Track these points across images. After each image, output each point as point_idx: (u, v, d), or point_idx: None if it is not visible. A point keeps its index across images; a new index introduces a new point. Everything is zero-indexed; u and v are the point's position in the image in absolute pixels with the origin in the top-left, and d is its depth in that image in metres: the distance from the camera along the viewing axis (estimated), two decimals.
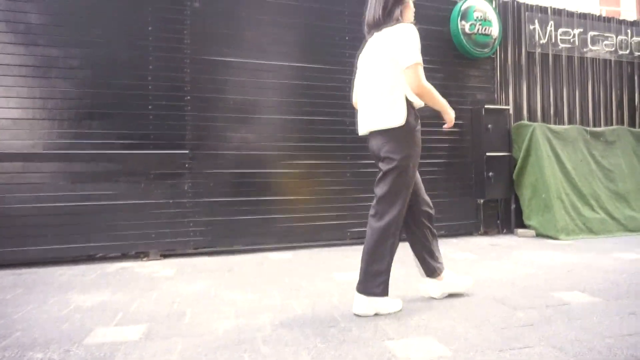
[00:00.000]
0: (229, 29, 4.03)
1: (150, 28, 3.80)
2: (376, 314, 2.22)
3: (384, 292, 2.24)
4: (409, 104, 2.23)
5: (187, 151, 3.86)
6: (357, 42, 4.37)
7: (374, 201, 2.32)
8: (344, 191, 4.34)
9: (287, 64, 4.20)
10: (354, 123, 4.36)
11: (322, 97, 4.29)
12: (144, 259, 3.72)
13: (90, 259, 3.70)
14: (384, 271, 2.26)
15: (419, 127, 2.29)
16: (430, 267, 2.47)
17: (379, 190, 2.29)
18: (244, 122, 4.06)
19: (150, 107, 3.78)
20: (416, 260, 2.52)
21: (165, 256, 3.81)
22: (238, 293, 2.65)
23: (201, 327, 2.05)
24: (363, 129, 2.38)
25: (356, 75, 2.50)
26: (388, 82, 2.22)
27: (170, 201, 3.81)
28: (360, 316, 2.21)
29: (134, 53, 3.76)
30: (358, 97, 2.47)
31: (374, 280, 2.23)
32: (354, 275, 3.05)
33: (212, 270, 3.32)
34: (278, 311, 2.29)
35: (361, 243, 4.28)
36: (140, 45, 3.77)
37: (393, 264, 2.34)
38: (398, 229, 2.29)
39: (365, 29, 2.40)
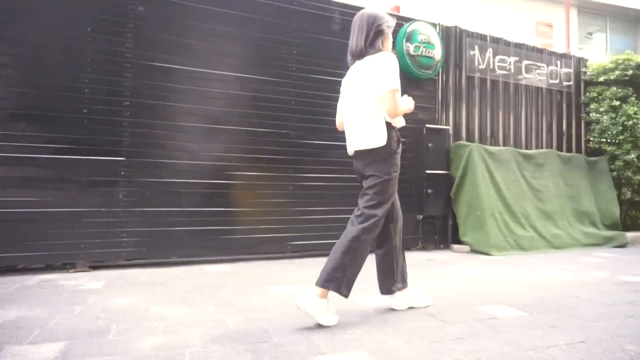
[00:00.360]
0: (175, 36, 3.94)
1: (89, 29, 3.64)
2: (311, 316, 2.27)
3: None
4: (389, 126, 2.41)
5: (123, 158, 3.71)
6: (303, 57, 4.43)
7: (357, 212, 2.51)
8: (286, 204, 4.32)
9: (233, 74, 4.15)
10: (298, 136, 4.39)
11: (268, 109, 4.27)
12: (71, 270, 3.51)
13: (9, 270, 3.44)
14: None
15: (399, 150, 2.48)
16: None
17: (362, 202, 2.50)
18: (186, 131, 3.96)
19: (85, 110, 3.60)
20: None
21: (94, 268, 3.61)
22: (169, 307, 2.55)
23: (125, 344, 1.94)
24: (350, 149, 2.62)
25: (340, 100, 2.70)
26: (369, 106, 2.41)
27: (103, 210, 3.63)
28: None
29: (70, 54, 3.58)
30: (344, 120, 2.66)
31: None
32: (291, 289, 3.04)
33: (143, 283, 3.18)
34: (210, 326, 2.22)
35: (301, 256, 4.30)
36: (78, 46, 3.61)
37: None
38: (368, 239, 2.46)
39: (349, 57, 2.57)
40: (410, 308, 2.62)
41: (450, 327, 2.26)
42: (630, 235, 5.73)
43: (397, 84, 2.35)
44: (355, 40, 2.48)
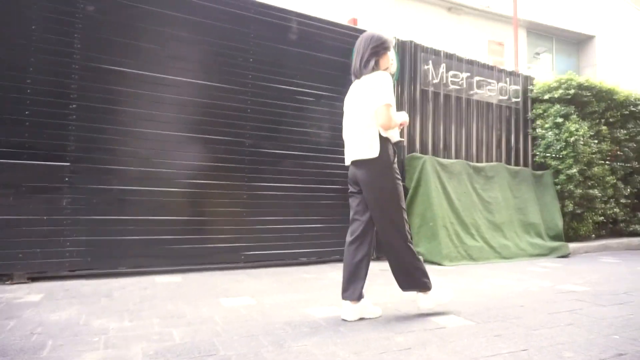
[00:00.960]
0: (127, 39, 3.82)
1: (33, 27, 3.48)
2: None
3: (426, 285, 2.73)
4: (384, 139, 2.59)
5: (68, 163, 3.55)
6: (260, 65, 4.40)
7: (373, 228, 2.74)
8: (240, 213, 4.26)
9: (187, 80, 4.07)
10: (253, 145, 4.35)
11: (222, 116, 4.21)
12: (7, 282, 3.30)
13: None
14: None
15: (393, 161, 2.65)
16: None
17: (373, 215, 2.69)
18: (137, 137, 3.84)
19: (27, 112, 3.43)
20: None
21: (33, 279, 3.41)
22: (112, 321, 2.44)
23: None
24: (347, 159, 2.79)
25: (344, 116, 2.86)
26: (365, 121, 2.60)
27: (45, 218, 3.45)
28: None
29: (12, 52, 3.40)
30: (343, 134, 2.85)
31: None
32: (243, 301, 2.98)
33: (87, 295, 3.03)
34: (155, 340, 2.13)
35: (255, 266, 4.23)
36: (20, 44, 3.43)
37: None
38: (407, 240, 2.72)
39: (352, 76, 2.78)
40: (361, 319, 2.62)
41: (399, 338, 2.27)
42: (572, 245, 6.01)
43: (390, 99, 2.53)
44: (354, 61, 2.72)
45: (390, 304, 3.00)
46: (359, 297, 2.61)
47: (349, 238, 2.76)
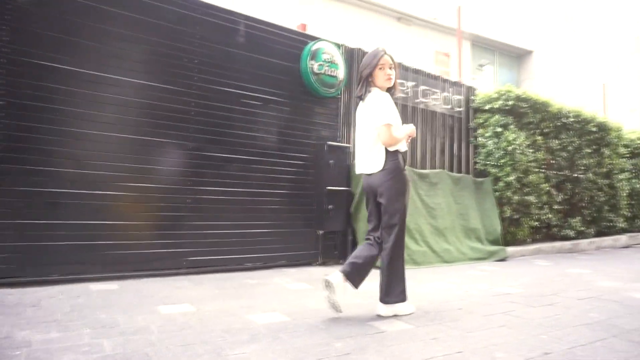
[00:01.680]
0: (62, 34, 3.63)
1: None
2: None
3: (402, 298, 2.88)
4: (391, 153, 2.85)
5: None
6: (206, 67, 4.32)
7: (380, 231, 2.96)
8: (183, 217, 4.14)
9: (128, 79, 3.92)
10: (198, 148, 4.25)
11: (165, 118, 4.09)
12: None
13: None
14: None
15: (401, 170, 2.87)
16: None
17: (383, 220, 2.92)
18: (72, 137, 3.66)
19: None
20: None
21: None
22: (37, 332, 2.29)
23: None
24: (357, 169, 3.08)
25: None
26: (371, 138, 2.90)
27: None
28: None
29: None
30: (356, 147, 3.15)
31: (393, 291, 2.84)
32: (182, 308, 2.89)
33: (10, 305, 2.84)
34: (83, 352, 2.02)
35: (198, 272, 4.13)
36: None
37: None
38: (402, 248, 2.90)
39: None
40: (299, 325, 2.60)
41: (339, 343, 2.27)
42: (510, 249, 6.27)
43: (389, 119, 2.79)
44: (356, 85, 3.13)
45: (331, 310, 3.00)
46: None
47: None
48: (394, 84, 2.98)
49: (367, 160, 2.93)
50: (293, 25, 5.30)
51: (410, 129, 2.93)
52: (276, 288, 3.69)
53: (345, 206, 5.14)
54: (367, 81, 2.92)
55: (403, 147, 2.93)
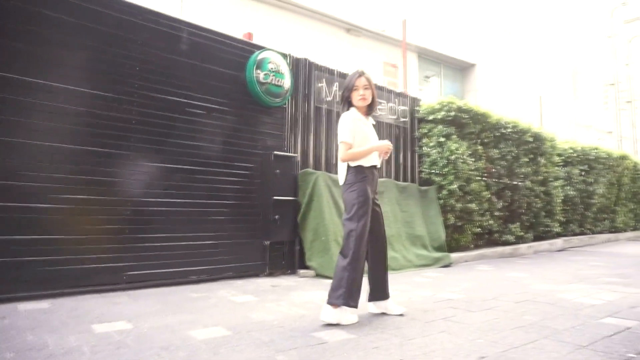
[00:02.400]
0: None
1: None
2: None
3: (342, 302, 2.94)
4: (351, 167, 3.10)
5: None
6: (148, 74, 4.20)
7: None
8: (122, 230, 3.98)
9: (64, 86, 3.74)
10: (138, 157, 4.10)
11: (104, 127, 3.93)
12: None
13: None
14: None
15: (357, 182, 3.08)
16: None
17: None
18: (1, 146, 3.43)
19: None
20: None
21: None
22: None
23: None
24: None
25: None
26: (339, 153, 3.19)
27: None
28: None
29: None
30: None
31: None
32: (118, 326, 2.76)
33: None
34: None
35: (139, 287, 3.98)
36: None
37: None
38: (358, 258, 3.03)
39: None
40: (242, 338, 2.56)
41: (281, 356, 2.25)
42: (454, 255, 6.46)
43: (344, 137, 3.08)
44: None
45: (275, 322, 2.97)
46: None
47: None
48: (373, 102, 3.22)
49: (339, 173, 3.23)
50: (239, 34, 5.25)
51: (377, 145, 3.14)
52: (220, 301, 3.61)
53: (292, 216, 5.12)
54: (347, 102, 3.22)
55: (369, 162, 3.13)
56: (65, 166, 3.72)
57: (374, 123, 3.42)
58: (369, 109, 3.26)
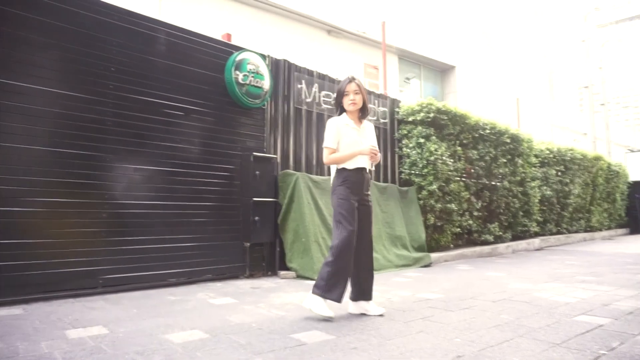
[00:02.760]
0: None
1: None
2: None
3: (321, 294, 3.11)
4: (338, 170, 3.27)
5: None
6: (124, 75, 4.14)
7: None
8: (98, 233, 3.91)
9: (37, 87, 3.66)
10: (114, 160, 4.04)
11: (80, 128, 3.86)
12: None
13: None
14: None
15: (339, 185, 3.24)
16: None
17: None
18: None
19: None
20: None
21: None
22: None
23: None
24: None
25: None
26: None
27: None
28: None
29: None
30: None
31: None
32: (93, 331, 2.71)
33: None
34: None
35: (117, 291, 3.92)
36: None
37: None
38: (340, 256, 3.11)
39: None
40: (219, 341, 2.54)
41: (258, 358, 2.23)
42: (434, 255, 6.52)
43: (325, 142, 3.28)
44: None
45: (254, 324, 2.95)
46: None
47: None
48: (364, 106, 3.34)
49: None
50: (218, 36, 5.22)
51: (358, 150, 3.23)
52: (199, 304, 3.57)
53: (273, 217, 5.11)
54: (339, 106, 3.37)
55: (353, 164, 3.24)
56: (38, 169, 3.64)
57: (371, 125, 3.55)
58: (362, 113, 3.39)
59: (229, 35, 5.26)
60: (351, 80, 3.30)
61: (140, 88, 4.24)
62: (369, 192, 3.39)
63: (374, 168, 3.54)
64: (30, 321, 2.96)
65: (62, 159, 3.76)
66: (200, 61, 4.71)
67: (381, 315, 3.19)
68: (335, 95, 3.42)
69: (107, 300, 3.65)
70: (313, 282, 4.70)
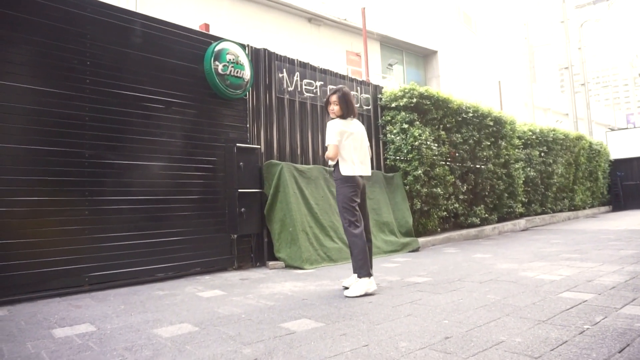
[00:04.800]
0: None
1: None
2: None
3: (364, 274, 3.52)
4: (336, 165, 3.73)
5: None
6: (99, 69, 4.06)
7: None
8: (82, 231, 3.85)
9: (11, 84, 3.57)
10: (94, 155, 3.98)
11: (56, 125, 3.78)
12: None
13: None
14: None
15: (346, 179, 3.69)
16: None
17: None
18: None
19: None
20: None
21: None
22: None
23: None
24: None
25: None
26: None
27: None
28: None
29: None
30: None
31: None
32: (80, 329, 2.68)
33: None
34: None
35: (103, 288, 3.87)
36: None
37: None
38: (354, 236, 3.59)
39: None
40: (208, 333, 2.52)
41: (247, 349, 2.23)
42: (421, 240, 6.57)
43: (329, 140, 3.62)
44: None
45: (243, 315, 2.94)
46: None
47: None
48: (350, 110, 3.72)
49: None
50: (197, 26, 5.13)
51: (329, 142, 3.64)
52: (187, 297, 3.55)
53: (259, 208, 5.08)
54: (327, 113, 3.94)
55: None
56: (16, 167, 3.56)
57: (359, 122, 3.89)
58: (349, 115, 3.74)
59: (207, 26, 5.17)
60: (336, 92, 3.72)
61: (117, 82, 4.16)
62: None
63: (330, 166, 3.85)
64: (15, 322, 2.91)
65: (41, 157, 3.68)
66: (178, 53, 4.64)
67: (347, 297, 3.41)
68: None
69: (94, 298, 3.61)
70: (302, 271, 4.73)
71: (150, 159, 4.33)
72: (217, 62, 4.78)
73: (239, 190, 4.83)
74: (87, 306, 3.33)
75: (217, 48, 4.82)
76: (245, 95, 5.17)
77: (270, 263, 5.03)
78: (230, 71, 4.87)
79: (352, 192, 3.72)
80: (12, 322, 2.91)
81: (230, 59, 4.89)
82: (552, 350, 2.07)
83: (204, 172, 4.74)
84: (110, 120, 4.09)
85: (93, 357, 2.18)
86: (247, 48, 5.26)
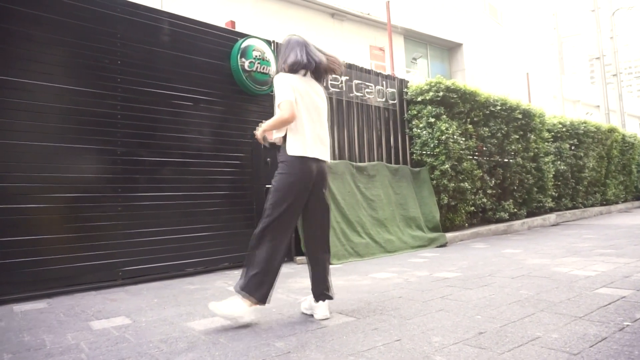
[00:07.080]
0: None
1: None
2: None
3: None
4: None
5: None
6: (130, 67, 4.13)
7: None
8: (115, 226, 3.95)
9: (43, 83, 3.67)
10: (127, 153, 4.06)
11: (89, 123, 3.87)
12: None
13: None
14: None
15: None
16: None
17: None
18: None
19: None
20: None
21: None
22: None
23: None
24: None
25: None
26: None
27: None
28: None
29: None
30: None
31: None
32: (116, 322, 2.75)
33: None
34: None
35: (136, 282, 3.96)
36: None
37: None
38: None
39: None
40: (242, 327, 2.56)
41: (280, 343, 2.25)
42: (449, 235, 6.50)
43: (279, 96, 2.61)
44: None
45: (274, 309, 2.97)
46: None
47: None
48: (297, 62, 2.78)
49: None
50: (222, 23, 5.17)
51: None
52: (218, 292, 3.60)
53: None
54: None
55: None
56: (51, 165, 3.67)
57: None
58: (299, 68, 2.76)
59: (232, 23, 5.21)
60: None
61: (147, 80, 4.23)
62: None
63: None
64: (55, 314, 3.01)
65: (76, 155, 3.78)
66: (205, 50, 4.68)
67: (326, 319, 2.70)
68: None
69: (128, 292, 3.69)
70: (330, 266, 4.73)
71: (179, 155, 4.40)
72: (243, 59, 4.81)
73: (267, 185, 4.86)
74: (122, 300, 3.41)
75: (243, 45, 4.85)
76: (272, 91, 5.19)
77: (298, 258, 5.05)
78: (257, 67, 4.90)
79: (289, 185, 2.55)
80: (52, 315, 3.00)
81: (256, 56, 4.91)
82: (591, 347, 2.02)
83: (232, 168, 4.78)
84: (140, 118, 4.17)
85: (130, 349, 2.24)
86: (272, 44, 5.28)
